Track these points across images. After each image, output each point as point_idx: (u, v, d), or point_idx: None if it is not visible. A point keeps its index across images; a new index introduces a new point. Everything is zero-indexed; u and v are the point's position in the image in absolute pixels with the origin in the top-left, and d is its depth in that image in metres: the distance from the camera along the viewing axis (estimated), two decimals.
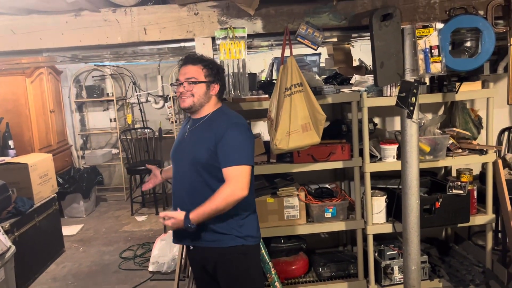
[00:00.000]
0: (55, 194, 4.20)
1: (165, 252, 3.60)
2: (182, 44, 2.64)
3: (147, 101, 6.21)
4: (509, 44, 2.46)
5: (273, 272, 2.75)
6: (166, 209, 5.12)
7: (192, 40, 2.52)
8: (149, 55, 5.09)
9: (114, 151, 6.26)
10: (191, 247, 2.07)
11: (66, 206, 5.31)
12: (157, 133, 5.76)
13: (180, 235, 2.06)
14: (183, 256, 3.25)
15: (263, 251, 2.73)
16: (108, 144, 6.37)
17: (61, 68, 5.83)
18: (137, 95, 6.20)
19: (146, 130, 5.91)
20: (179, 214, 1.86)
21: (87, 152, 6.20)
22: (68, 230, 4.76)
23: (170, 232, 3.77)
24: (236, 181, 1.87)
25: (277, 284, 2.76)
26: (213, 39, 2.49)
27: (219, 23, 2.48)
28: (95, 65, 5.84)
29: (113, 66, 6.08)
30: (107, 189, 6.18)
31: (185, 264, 3.28)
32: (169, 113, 6.08)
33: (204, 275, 2.10)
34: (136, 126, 6.22)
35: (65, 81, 6.06)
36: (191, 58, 2.02)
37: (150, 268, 3.62)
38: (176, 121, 6.12)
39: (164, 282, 3.50)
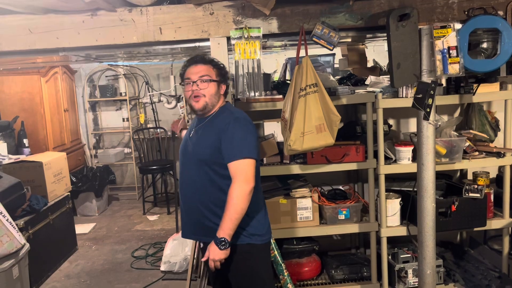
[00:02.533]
0: (69, 193, 4.23)
1: (177, 252, 3.60)
2: (197, 44, 2.64)
3: (159, 101, 6.24)
4: None
5: (285, 274, 2.74)
6: (178, 208, 5.13)
7: (207, 40, 2.52)
8: (162, 55, 5.11)
9: (127, 150, 6.30)
10: (202, 244, 2.10)
11: (79, 205, 5.35)
12: (169, 133, 5.78)
13: (188, 230, 2.11)
14: (195, 256, 3.25)
15: (275, 252, 2.71)
16: (121, 144, 6.41)
17: (75, 67, 5.89)
18: (149, 95, 6.23)
19: (158, 130, 5.93)
20: (210, 248, 1.90)
21: (100, 151, 6.25)
22: (81, 228, 4.80)
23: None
24: (240, 176, 1.89)
25: (289, 286, 2.74)
26: (228, 39, 2.49)
27: (234, 23, 2.47)
28: (108, 64, 5.89)
29: (126, 66, 6.12)
30: (120, 188, 6.21)
31: (197, 264, 3.28)
32: (182, 113, 6.09)
33: (216, 273, 2.10)
34: (149, 125, 6.25)
35: (79, 80, 6.11)
36: (202, 58, 2.04)
37: (162, 268, 3.63)
38: (188, 121, 6.12)
39: (175, 282, 3.51)
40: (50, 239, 3.77)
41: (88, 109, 6.13)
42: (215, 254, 1.88)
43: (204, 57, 2.06)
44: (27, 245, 2.81)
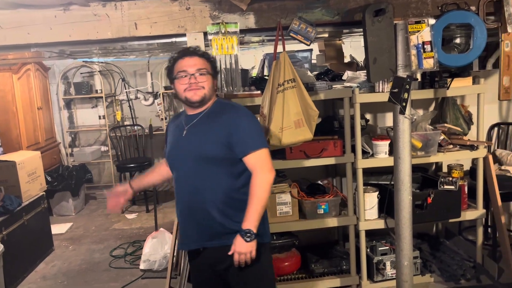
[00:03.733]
0: (44, 192, 4.14)
1: (157, 250, 3.56)
2: (173, 39, 2.61)
3: (136, 98, 6.16)
4: (500, 40, 2.48)
5: None
6: (157, 206, 5.09)
7: (184, 35, 2.49)
8: (138, 51, 5.03)
9: (104, 148, 6.20)
10: (201, 249, 1.95)
11: (55, 204, 5.24)
12: (147, 130, 5.71)
13: (189, 239, 1.96)
14: (175, 254, 3.23)
15: None
16: (97, 142, 6.30)
17: (49, 64, 5.74)
18: (126, 91, 6.14)
19: (135, 127, 5.86)
20: (236, 241, 1.80)
21: (75, 149, 6.12)
22: (57, 228, 4.70)
23: (161, 230, 3.76)
24: (262, 165, 1.84)
25: None
26: (205, 34, 2.47)
27: (211, 18, 2.45)
28: (83, 61, 5.77)
29: (102, 62, 6.01)
30: (97, 187, 6.11)
31: (177, 262, 3.26)
32: (159, 110, 6.03)
33: (212, 276, 1.99)
34: (126, 123, 6.16)
35: (52, 77, 5.97)
36: (197, 51, 1.93)
37: (141, 266, 3.58)
38: (166, 118, 6.07)
39: (155, 280, 3.47)
40: (25, 240, 3.68)
41: (63, 107, 5.99)
42: (242, 247, 1.78)
43: (197, 50, 1.94)
44: (1, 246, 2.74)
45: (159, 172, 2.17)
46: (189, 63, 1.87)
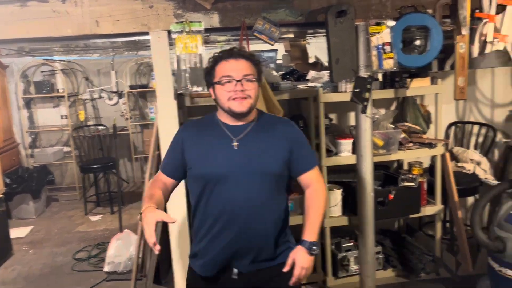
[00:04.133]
0: (2, 195, 3.98)
1: (121, 252, 3.50)
2: (136, 38, 2.58)
3: (100, 97, 6.02)
4: (455, 42, 2.58)
5: None
6: (123, 208, 5.00)
7: (147, 33, 2.46)
8: (102, 49, 4.93)
9: (66, 149, 6.02)
10: (236, 275, 1.69)
11: (14, 207, 5.05)
12: (111, 130, 5.60)
13: (219, 261, 1.68)
14: (141, 255, 3.19)
15: None
16: (60, 142, 6.12)
17: (7, 62, 5.52)
18: (89, 91, 5.99)
19: (99, 127, 5.73)
20: (297, 255, 1.60)
21: (36, 150, 5.92)
22: (16, 232, 4.53)
23: (126, 231, 3.70)
24: (318, 179, 1.74)
25: None
26: (170, 32, 2.44)
27: (175, 17, 2.43)
28: (44, 59, 5.59)
29: (64, 60, 5.85)
30: (59, 188, 5.93)
31: (143, 263, 3.22)
32: (124, 110, 5.92)
33: None
34: (89, 123, 6.01)
35: (11, 76, 5.74)
36: (244, 52, 1.68)
37: (106, 269, 3.51)
38: (131, 118, 5.97)
39: (120, 283, 3.41)
40: None
41: (22, 106, 5.78)
42: (305, 260, 1.59)
43: (243, 51, 1.70)
44: None
45: (162, 193, 1.71)
46: (234, 67, 1.62)
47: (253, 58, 1.67)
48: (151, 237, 1.45)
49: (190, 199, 1.78)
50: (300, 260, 1.59)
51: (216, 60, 1.66)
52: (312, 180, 1.72)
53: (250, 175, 1.63)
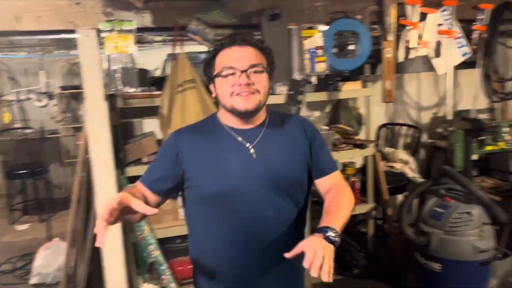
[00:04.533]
0: None
1: (50, 262, 3.30)
2: (63, 36, 2.45)
3: (28, 98, 5.66)
4: (382, 47, 2.71)
5: (167, 273, 2.69)
6: (54, 215, 4.73)
7: (74, 31, 2.35)
8: (29, 46, 4.64)
9: None
10: None
11: None
12: (40, 134, 5.28)
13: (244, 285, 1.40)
14: (73, 264, 3.02)
15: (157, 252, 2.65)
16: None
17: None
18: (15, 91, 5.62)
19: (27, 130, 5.38)
20: (311, 240, 1.18)
21: None
22: None
23: (55, 240, 3.49)
24: (343, 182, 1.46)
25: (172, 285, 2.70)
26: (100, 31, 2.35)
27: (104, 15, 2.34)
28: None
29: None
30: None
31: (74, 273, 3.05)
32: (55, 112, 5.61)
33: None
34: (16, 126, 5.63)
35: None
36: (249, 39, 1.35)
37: (32, 281, 3.30)
38: (62, 120, 5.67)
39: None
40: None
41: None
42: (320, 244, 1.16)
43: (248, 37, 1.36)
44: None
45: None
46: (239, 56, 1.30)
47: (262, 46, 1.36)
48: (105, 207, 1.07)
49: (188, 224, 1.46)
50: (312, 243, 1.16)
51: (216, 49, 1.35)
52: (335, 183, 1.44)
53: (265, 185, 1.35)
